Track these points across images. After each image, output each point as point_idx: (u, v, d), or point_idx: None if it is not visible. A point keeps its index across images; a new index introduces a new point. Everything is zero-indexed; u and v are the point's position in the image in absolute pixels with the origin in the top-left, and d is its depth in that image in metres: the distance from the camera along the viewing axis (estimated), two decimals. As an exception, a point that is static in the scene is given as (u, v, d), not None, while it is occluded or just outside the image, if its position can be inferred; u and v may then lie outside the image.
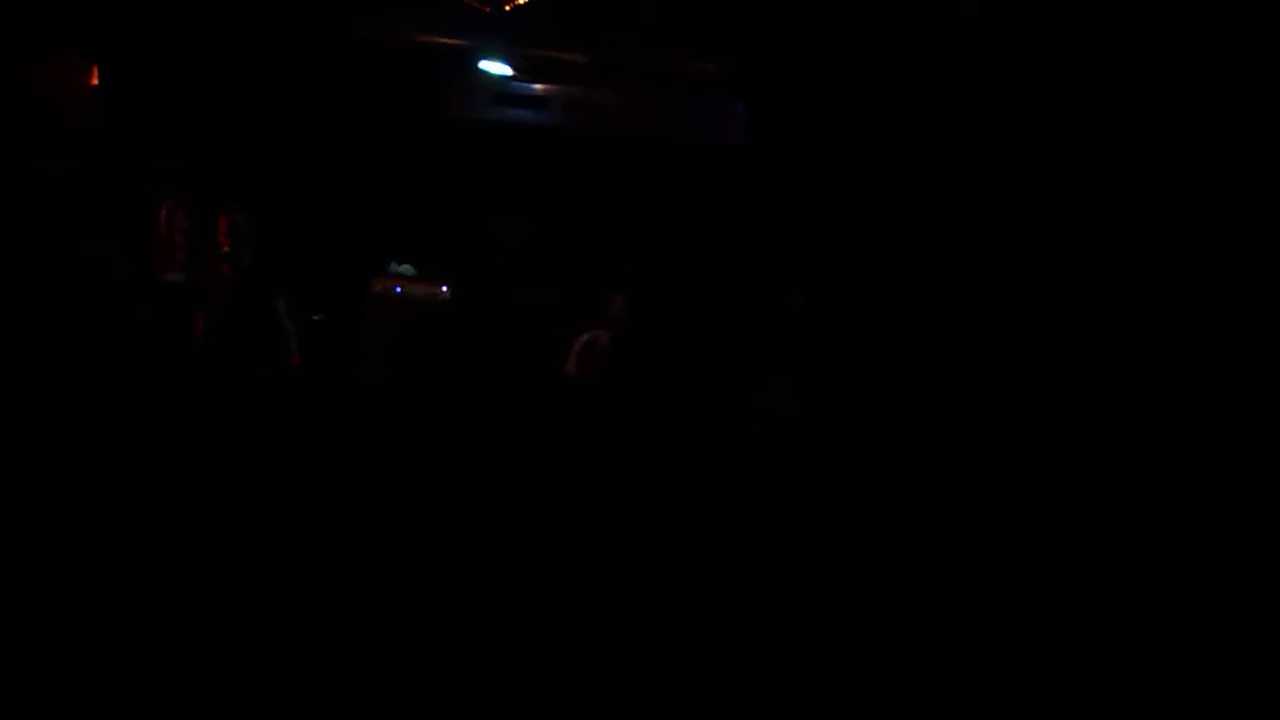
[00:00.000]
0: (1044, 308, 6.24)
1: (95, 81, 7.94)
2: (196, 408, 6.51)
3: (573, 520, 6.02)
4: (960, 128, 6.97)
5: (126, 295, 6.94)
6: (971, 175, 6.97)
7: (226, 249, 7.18)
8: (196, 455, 6.05)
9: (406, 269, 8.40)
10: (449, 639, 5.14)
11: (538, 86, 8.47)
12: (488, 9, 6.40)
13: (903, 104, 7.06)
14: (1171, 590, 5.09)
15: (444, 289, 8.37)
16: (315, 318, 7.71)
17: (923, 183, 7.14)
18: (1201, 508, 5.26)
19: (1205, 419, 5.39)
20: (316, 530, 5.72)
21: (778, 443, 6.73)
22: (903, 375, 6.81)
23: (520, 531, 5.90)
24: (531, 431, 6.74)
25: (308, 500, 5.94)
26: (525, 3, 6.44)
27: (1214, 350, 5.55)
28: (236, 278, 7.04)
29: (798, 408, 6.94)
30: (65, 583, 5.01)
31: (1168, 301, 5.73)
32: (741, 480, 6.42)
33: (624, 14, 7.04)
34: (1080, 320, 6.07)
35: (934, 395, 6.50)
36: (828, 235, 7.56)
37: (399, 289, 8.35)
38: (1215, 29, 5.51)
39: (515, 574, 5.61)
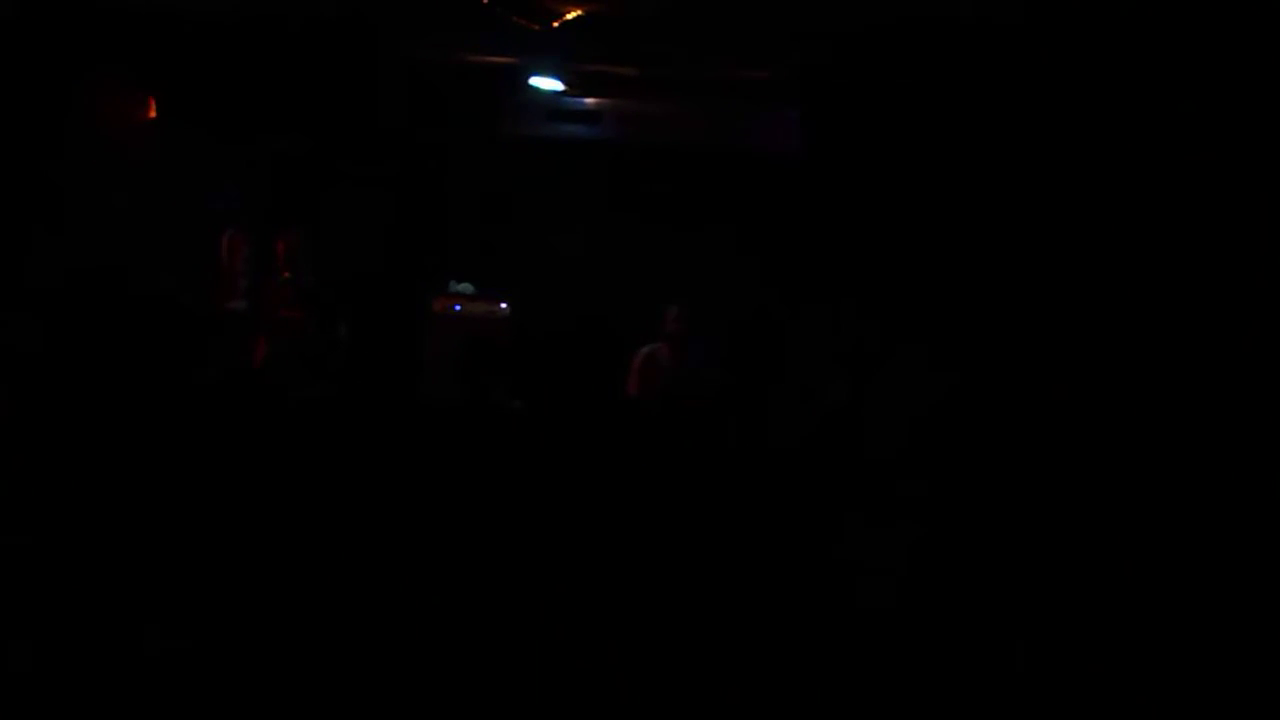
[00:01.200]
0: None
1: (154, 114, 8.03)
2: (262, 431, 6.58)
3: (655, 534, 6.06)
4: (1005, 133, 6.94)
5: (192, 324, 7.06)
6: (1014, 180, 6.93)
7: (288, 275, 7.24)
8: (264, 476, 6.11)
9: (465, 287, 8.43)
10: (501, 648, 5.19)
11: (589, 101, 8.49)
12: (536, 26, 6.41)
13: (956, 109, 7.01)
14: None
15: (503, 306, 8.40)
16: (373, 339, 7.78)
17: (975, 188, 7.10)
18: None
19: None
20: (384, 547, 5.77)
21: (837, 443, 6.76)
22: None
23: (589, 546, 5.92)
24: (604, 451, 6.76)
25: (373, 518, 5.98)
26: (573, 18, 6.44)
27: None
28: (299, 303, 7.10)
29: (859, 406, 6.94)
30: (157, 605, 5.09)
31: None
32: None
33: (673, 26, 7.04)
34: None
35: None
36: (885, 242, 7.52)
37: (458, 307, 8.39)
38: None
39: (575, 592, 5.64)
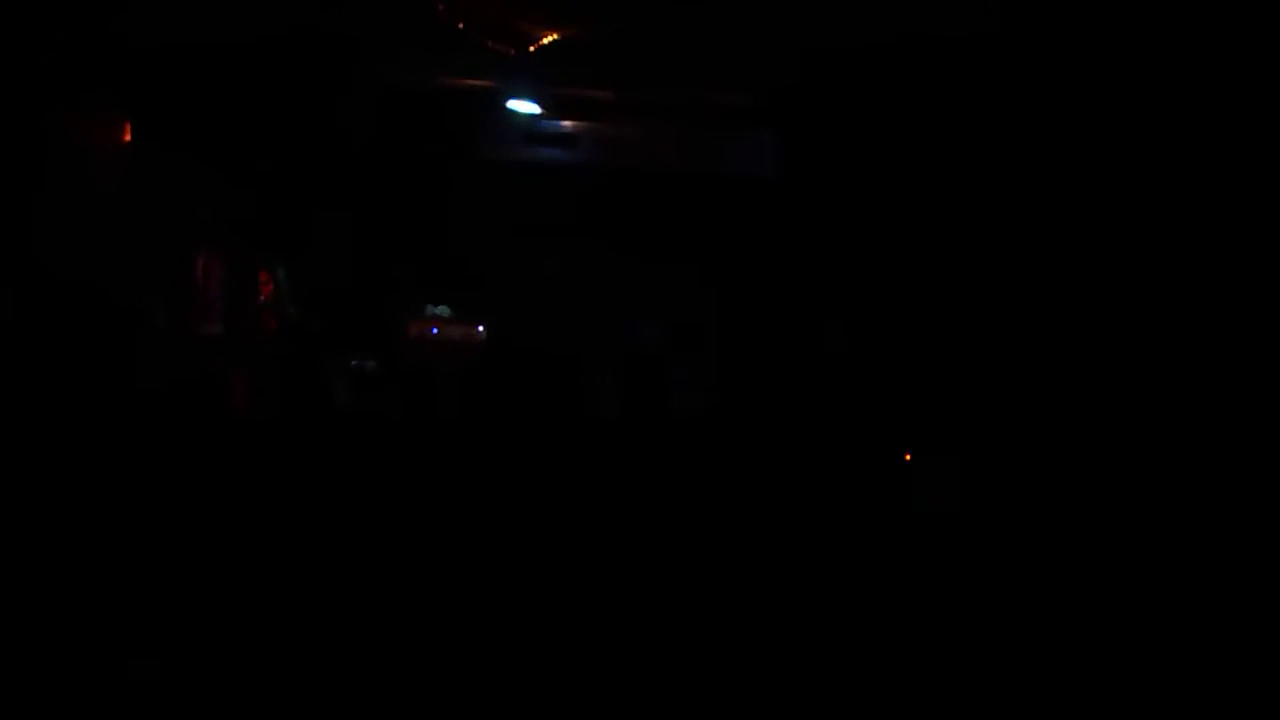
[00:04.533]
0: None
1: (129, 138, 8.01)
2: (242, 458, 6.57)
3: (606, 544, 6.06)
4: (987, 152, 6.95)
5: (166, 348, 7.04)
6: (995, 199, 6.94)
7: (266, 299, 7.22)
8: (249, 503, 6.11)
9: (442, 310, 8.42)
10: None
11: (566, 124, 8.49)
12: (512, 51, 6.42)
13: (931, 130, 7.03)
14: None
15: (480, 329, 8.39)
16: (354, 364, 7.75)
17: (954, 207, 7.11)
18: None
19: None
20: (375, 574, 5.76)
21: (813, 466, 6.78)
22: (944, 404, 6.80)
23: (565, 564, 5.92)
24: (572, 468, 6.76)
25: (360, 544, 5.98)
26: (549, 43, 6.45)
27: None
28: (278, 328, 7.08)
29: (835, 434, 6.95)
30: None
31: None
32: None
33: (649, 50, 7.05)
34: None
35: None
36: (863, 265, 7.53)
37: (435, 330, 8.37)
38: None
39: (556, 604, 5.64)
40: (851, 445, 6.92)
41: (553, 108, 8.35)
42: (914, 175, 7.16)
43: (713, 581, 5.97)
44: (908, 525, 6.26)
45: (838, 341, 7.53)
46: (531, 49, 6.46)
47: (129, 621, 5.29)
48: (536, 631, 5.55)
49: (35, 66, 7.18)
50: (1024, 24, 6.16)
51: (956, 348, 6.94)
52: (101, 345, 6.85)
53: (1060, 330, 6.42)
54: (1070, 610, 5.51)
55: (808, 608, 5.81)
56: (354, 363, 7.82)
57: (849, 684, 5.31)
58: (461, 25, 6.26)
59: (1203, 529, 5.48)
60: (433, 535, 6.18)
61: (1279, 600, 5.14)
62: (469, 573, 5.95)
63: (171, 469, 6.31)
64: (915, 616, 5.69)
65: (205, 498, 6.19)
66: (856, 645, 5.55)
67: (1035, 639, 5.43)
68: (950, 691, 5.24)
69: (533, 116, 8.46)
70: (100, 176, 7.80)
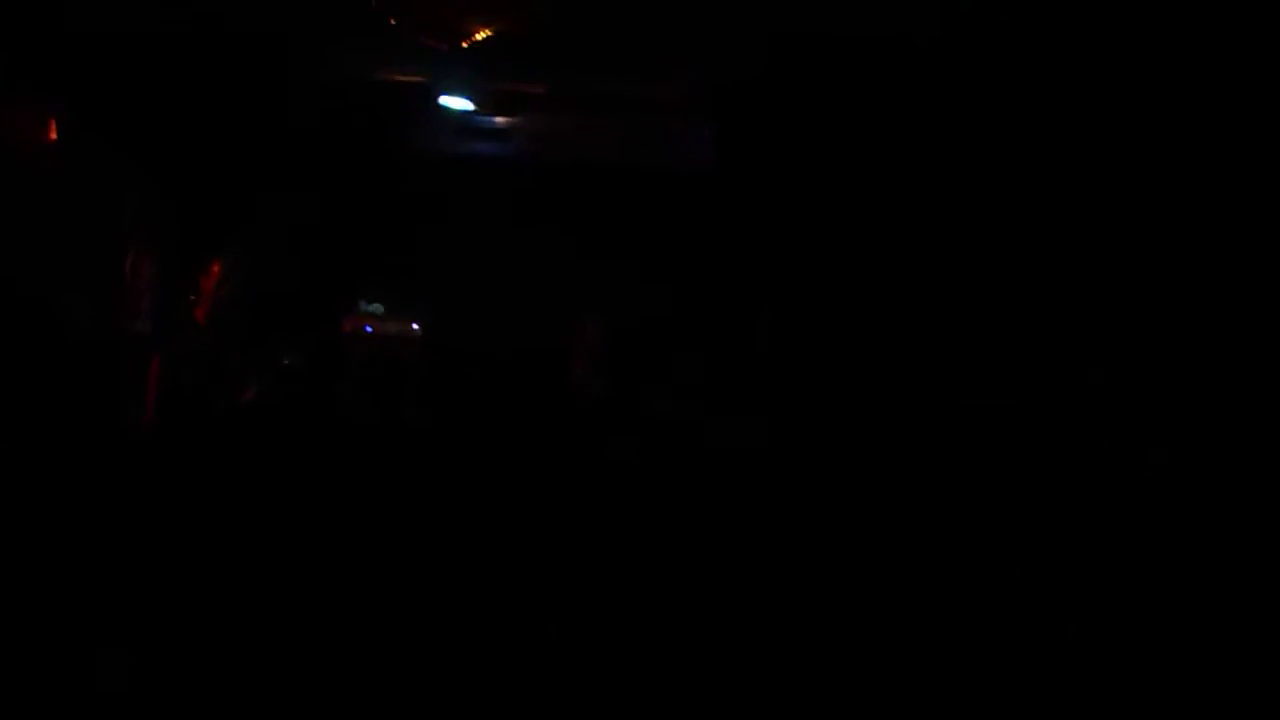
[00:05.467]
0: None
1: (55, 133, 7.91)
2: (172, 453, 6.50)
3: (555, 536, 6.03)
4: (926, 148, 6.97)
5: (89, 342, 6.94)
6: (929, 193, 6.97)
7: (194, 296, 7.15)
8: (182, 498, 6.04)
9: (376, 307, 8.37)
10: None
11: (499, 119, 8.46)
12: (445, 47, 6.38)
13: (870, 125, 7.05)
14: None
15: (415, 326, 8.34)
16: (286, 361, 7.69)
17: (891, 202, 7.13)
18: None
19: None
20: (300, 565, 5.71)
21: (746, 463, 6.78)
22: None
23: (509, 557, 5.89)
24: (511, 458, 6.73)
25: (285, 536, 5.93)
26: (482, 39, 6.41)
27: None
28: (206, 323, 7.02)
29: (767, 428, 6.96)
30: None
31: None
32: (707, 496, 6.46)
33: (583, 44, 7.03)
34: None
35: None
36: (797, 256, 7.55)
37: (369, 328, 8.31)
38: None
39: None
40: (780, 441, 6.93)
41: (486, 103, 8.31)
42: (851, 168, 7.18)
43: (654, 577, 5.96)
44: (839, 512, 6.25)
45: (763, 336, 7.55)
46: (465, 44, 6.42)
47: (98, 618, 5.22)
48: (470, 630, 5.51)
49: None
50: (959, 24, 6.18)
51: (887, 339, 6.97)
52: (23, 342, 6.76)
53: (996, 321, 6.44)
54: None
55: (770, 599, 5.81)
56: (285, 360, 7.75)
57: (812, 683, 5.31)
58: (393, 20, 6.21)
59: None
60: (357, 535, 6.14)
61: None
62: (395, 569, 5.91)
63: (92, 466, 6.24)
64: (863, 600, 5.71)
65: (123, 495, 6.12)
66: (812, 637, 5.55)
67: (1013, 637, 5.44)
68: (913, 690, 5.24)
69: (466, 111, 8.42)
70: (27, 166, 7.69)
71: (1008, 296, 6.33)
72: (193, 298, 7.19)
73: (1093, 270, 5.87)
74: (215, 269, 7.24)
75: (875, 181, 7.17)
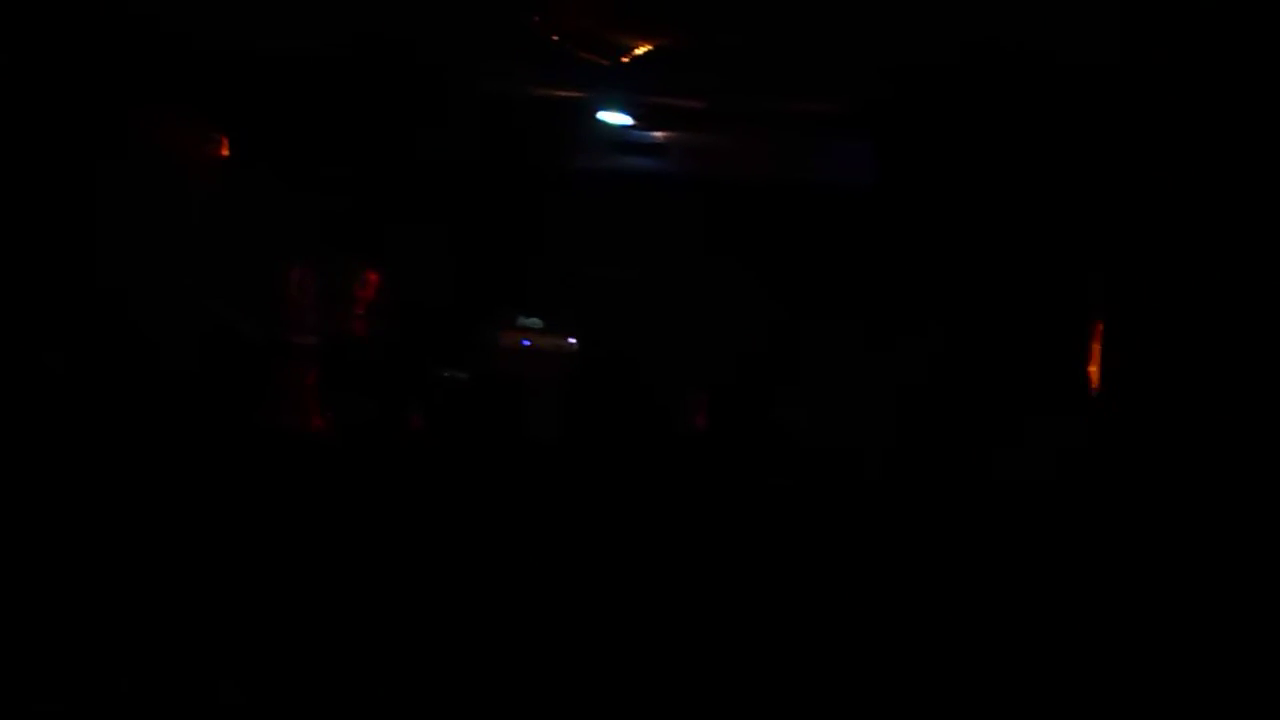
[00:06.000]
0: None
1: (226, 152, 8.08)
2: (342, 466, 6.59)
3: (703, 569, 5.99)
4: (1077, 165, 6.85)
5: (258, 358, 7.08)
6: (1086, 215, 6.84)
7: (361, 311, 7.25)
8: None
9: (534, 322, 8.42)
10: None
11: (657, 134, 8.46)
12: (605, 62, 6.40)
13: (1030, 141, 6.93)
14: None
15: (571, 341, 8.38)
16: (447, 375, 7.76)
17: (1045, 221, 7.01)
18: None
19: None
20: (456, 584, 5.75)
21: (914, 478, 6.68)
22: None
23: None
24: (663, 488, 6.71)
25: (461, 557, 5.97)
26: (642, 53, 6.43)
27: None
28: (372, 338, 7.11)
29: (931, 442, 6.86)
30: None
31: None
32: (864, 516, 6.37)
33: (740, 59, 7.00)
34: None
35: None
36: (960, 271, 7.44)
37: (527, 342, 8.36)
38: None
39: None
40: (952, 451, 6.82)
41: (643, 118, 8.32)
42: (1006, 181, 7.06)
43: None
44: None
45: (936, 344, 7.43)
46: (624, 60, 6.43)
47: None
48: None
49: (113, 71, 7.24)
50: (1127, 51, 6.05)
51: (1052, 347, 6.84)
52: (193, 355, 6.92)
53: (1150, 344, 6.28)
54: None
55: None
56: (446, 374, 7.83)
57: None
58: (555, 37, 6.25)
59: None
60: (523, 553, 6.15)
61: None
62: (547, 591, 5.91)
63: (261, 478, 6.34)
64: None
65: (289, 507, 6.21)
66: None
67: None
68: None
69: (623, 127, 8.44)
70: (191, 184, 7.87)
71: (1165, 312, 6.16)
72: (355, 311, 7.28)
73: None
74: (376, 282, 7.34)
75: (1030, 198, 7.06)
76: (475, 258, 8.56)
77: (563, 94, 7.91)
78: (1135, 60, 6.11)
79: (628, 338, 8.38)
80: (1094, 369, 6.66)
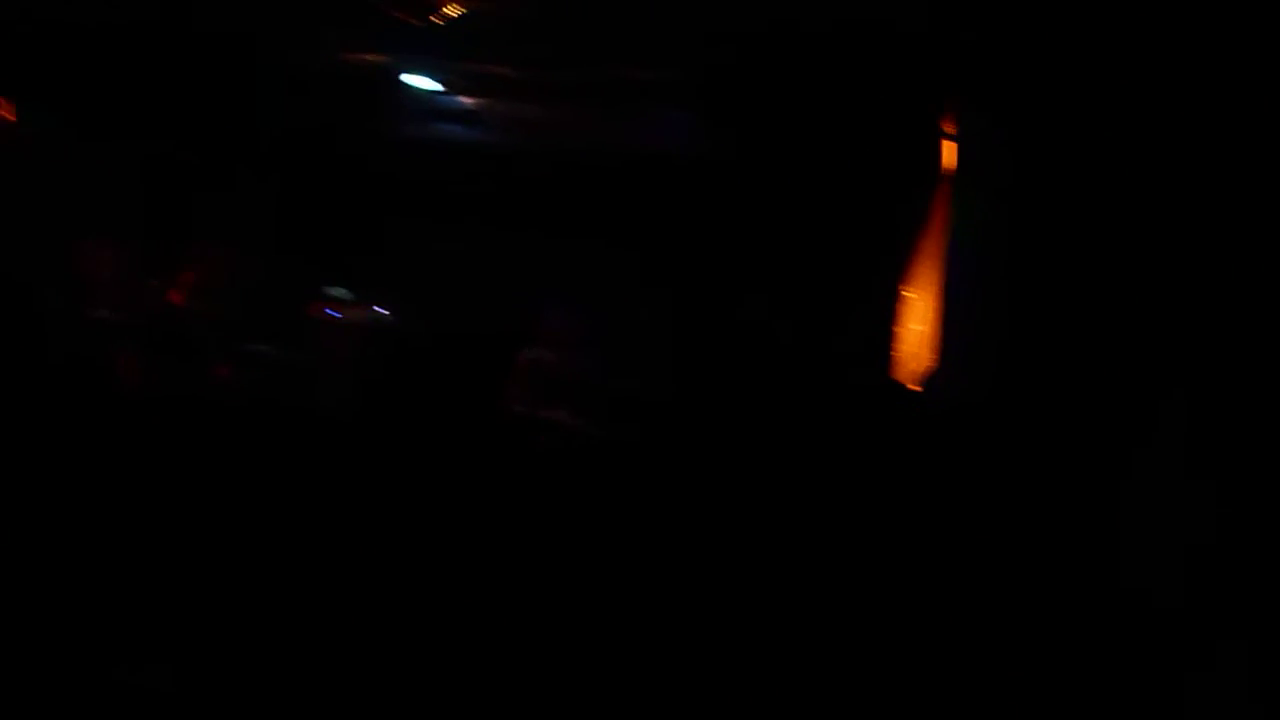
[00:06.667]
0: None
1: (12, 117, 7.78)
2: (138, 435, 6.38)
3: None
4: (904, 134, 6.90)
5: (58, 328, 6.82)
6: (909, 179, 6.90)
7: (163, 283, 7.06)
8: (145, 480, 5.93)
9: (344, 293, 8.26)
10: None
11: (469, 101, 8.33)
12: (416, 21, 6.27)
13: (850, 111, 6.97)
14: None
15: (383, 312, 8.24)
16: (256, 347, 7.58)
17: (871, 187, 7.07)
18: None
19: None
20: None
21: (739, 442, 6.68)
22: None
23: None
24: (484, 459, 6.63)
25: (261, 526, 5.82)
26: (456, 16, 6.31)
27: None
28: (175, 311, 6.92)
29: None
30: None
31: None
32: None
33: (558, 26, 6.92)
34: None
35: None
36: (780, 242, 7.49)
37: (337, 314, 8.20)
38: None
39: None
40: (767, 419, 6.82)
41: (455, 85, 8.18)
42: (830, 151, 7.11)
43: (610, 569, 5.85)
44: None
45: (757, 312, 7.46)
46: (437, 20, 6.30)
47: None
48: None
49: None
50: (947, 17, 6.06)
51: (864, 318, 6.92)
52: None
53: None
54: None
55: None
56: (251, 347, 7.64)
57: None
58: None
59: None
60: (323, 525, 6.03)
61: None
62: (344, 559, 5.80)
63: (54, 447, 6.12)
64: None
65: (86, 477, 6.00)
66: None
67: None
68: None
69: (433, 93, 8.29)
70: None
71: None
72: (168, 286, 7.08)
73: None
74: (190, 257, 7.13)
75: (859, 166, 7.11)
76: (286, 229, 8.37)
77: (372, 58, 7.73)
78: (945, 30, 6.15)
79: (440, 308, 8.27)
80: (905, 345, 6.73)
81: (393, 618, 5.46)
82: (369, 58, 7.66)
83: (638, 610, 5.53)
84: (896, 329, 6.84)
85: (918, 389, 6.18)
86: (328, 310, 8.19)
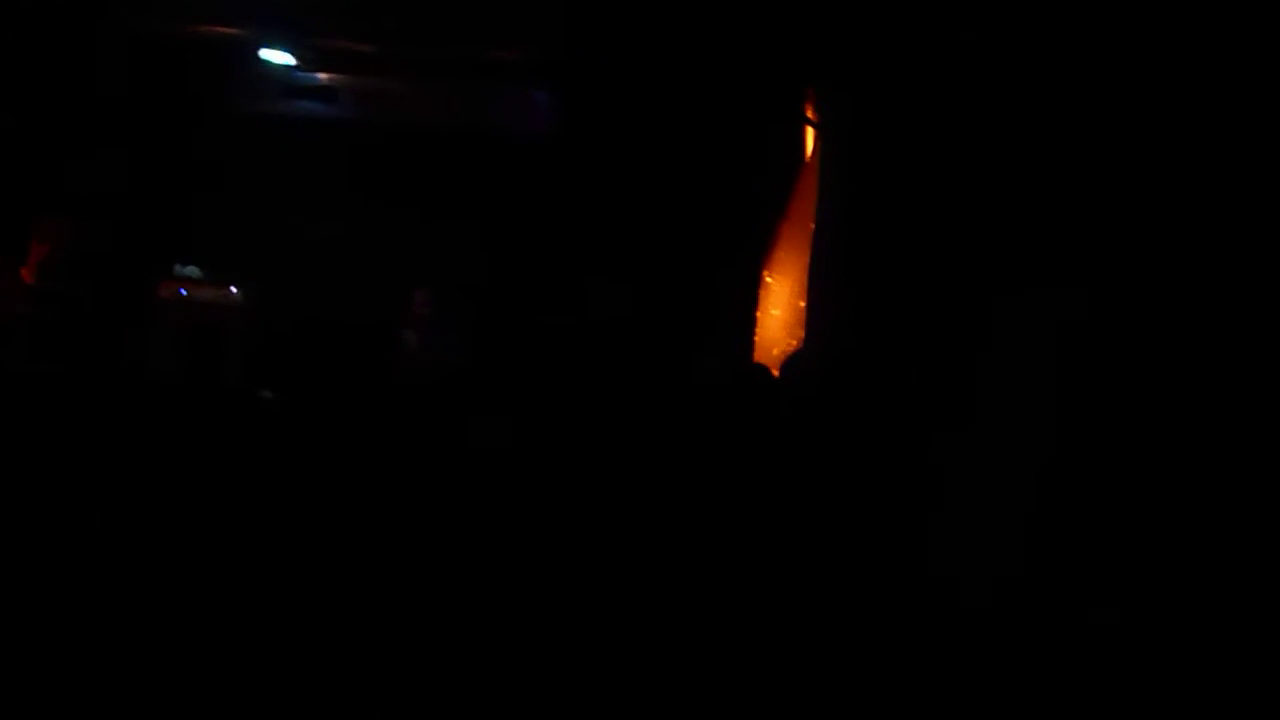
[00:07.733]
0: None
1: None
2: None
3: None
4: (757, 113, 6.92)
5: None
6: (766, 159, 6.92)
7: (13, 258, 6.83)
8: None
9: (192, 271, 8.05)
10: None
11: (324, 77, 8.19)
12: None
13: (710, 96, 6.98)
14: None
15: (233, 290, 8.06)
16: (99, 324, 7.38)
17: (725, 169, 7.09)
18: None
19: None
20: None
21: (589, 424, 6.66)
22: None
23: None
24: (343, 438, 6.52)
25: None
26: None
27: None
28: (26, 286, 6.71)
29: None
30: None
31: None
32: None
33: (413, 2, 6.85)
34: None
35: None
36: (634, 223, 7.48)
37: (184, 291, 8.00)
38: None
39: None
40: (619, 404, 6.81)
41: (310, 60, 8.04)
42: (687, 136, 7.11)
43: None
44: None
45: (603, 299, 7.44)
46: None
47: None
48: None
49: None
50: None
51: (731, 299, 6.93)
52: None
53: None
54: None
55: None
56: (98, 323, 7.43)
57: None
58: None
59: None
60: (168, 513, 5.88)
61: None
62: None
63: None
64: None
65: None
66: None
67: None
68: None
69: (288, 68, 8.14)
70: None
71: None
72: (10, 260, 6.84)
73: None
74: (32, 235, 6.89)
75: (711, 147, 7.12)
76: (132, 204, 8.14)
77: (224, 30, 7.55)
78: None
79: (295, 286, 8.12)
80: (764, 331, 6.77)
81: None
82: (222, 29, 7.50)
83: (479, 598, 5.47)
84: (756, 314, 6.87)
85: (775, 374, 6.19)
86: (179, 289, 7.99)
